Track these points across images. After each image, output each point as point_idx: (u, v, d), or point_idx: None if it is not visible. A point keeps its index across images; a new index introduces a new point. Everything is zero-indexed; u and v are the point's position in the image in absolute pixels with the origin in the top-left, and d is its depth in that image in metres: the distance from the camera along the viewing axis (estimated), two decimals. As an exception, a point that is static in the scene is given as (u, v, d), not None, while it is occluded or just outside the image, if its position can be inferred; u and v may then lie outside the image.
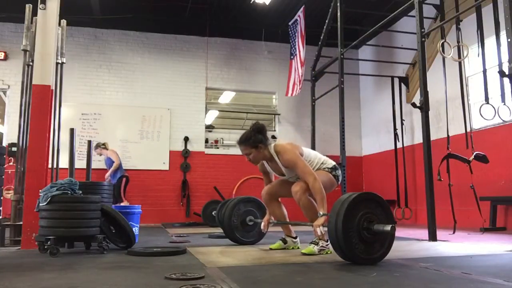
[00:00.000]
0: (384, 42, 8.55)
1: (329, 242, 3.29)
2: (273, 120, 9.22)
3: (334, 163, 3.52)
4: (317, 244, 3.20)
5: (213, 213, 6.45)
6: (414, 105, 4.62)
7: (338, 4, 6.68)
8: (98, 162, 7.71)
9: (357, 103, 9.72)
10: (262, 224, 3.64)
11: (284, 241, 3.57)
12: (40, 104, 3.97)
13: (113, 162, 7.35)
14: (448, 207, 4.99)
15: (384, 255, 2.72)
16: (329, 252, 3.23)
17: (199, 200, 8.16)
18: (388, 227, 2.60)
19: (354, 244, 2.58)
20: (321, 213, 3.06)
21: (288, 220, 3.65)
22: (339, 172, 3.49)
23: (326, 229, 2.82)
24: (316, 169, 3.39)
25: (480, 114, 5.05)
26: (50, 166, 4.27)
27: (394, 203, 7.83)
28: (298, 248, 3.56)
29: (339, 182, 3.51)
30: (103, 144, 7.52)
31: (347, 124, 6.71)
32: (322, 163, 3.46)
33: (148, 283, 2.12)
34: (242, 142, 3.45)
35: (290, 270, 2.56)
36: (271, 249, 3.52)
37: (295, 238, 3.62)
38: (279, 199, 3.65)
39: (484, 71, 5.23)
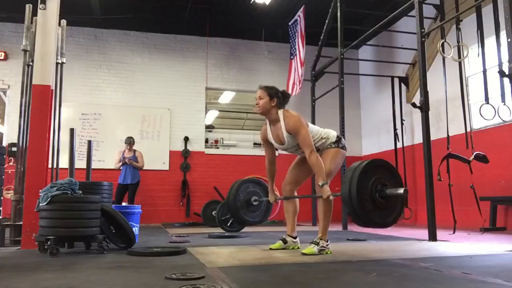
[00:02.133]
0: (384, 42, 8.55)
1: (329, 242, 3.31)
2: (273, 120, 9.22)
3: (335, 133, 3.45)
4: (317, 244, 3.21)
5: (213, 213, 6.45)
6: (414, 105, 4.62)
7: (338, 4, 6.68)
8: (98, 162, 7.72)
9: (357, 103, 9.72)
10: (272, 197, 3.69)
11: (284, 241, 3.56)
12: (40, 104, 3.97)
13: (137, 160, 7.42)
14: (448, 207, 4.99)
15: (396, 219, 2.81)
16: (329, 252, 3.23)
17: (199, 200, 8.16)
18: (401, 190, 2.66)
19: (368, 209, 2.64)
20: (321, 183, 3.12)
21: (296, 219, 3.63)
22: (343, 140, 3.46)
23: (332, 197, 3.04)
24: (323, 146, 3.37)
25: (480, 114, 5.05)
26: (50, 166, 4.27)
27: (394, 203, 7.84)
28: (298, 248, 3.56)
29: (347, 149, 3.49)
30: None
31: (347, 124, 6.70)
32: (326, 137, 3.39)
33: (148, 283, 2.12)
34: (263, 87, 3.47)
35: (290, 270, 2.56)
36: (271, 249, 3.51)
37: (295, 238, 3.61)
38: (296, 194, 3.63)
39: (484, 71, 5.23)
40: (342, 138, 3.48)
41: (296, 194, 3.62)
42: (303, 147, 3.24)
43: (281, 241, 3.55)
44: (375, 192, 2.66)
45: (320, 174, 3.15)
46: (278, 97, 3.41)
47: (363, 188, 2.63)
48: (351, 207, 2.64)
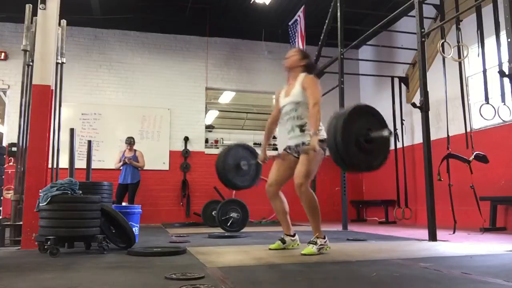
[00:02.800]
0: (384, 42, 8.55)
1: (326, 239, 3.29)
2: (273, 120, 9.22)
3: (325, 136, 3.39)
4: (315, 243, 3.19)
5: (213, 213, 6.44)
6: (414, 105, 4.62)
7: (338, 4, 6.68)
8: (98, 162, 7.71)
9: (357, 103, 9.70)
10: (261, 157, 3.71)
11: (283, 241, 3.56)
12: (40, 104, 3.97)
13: (137, 160, 7.42)
14: (448, 207, 4.99)
15: (382, 162, 2.78)
16: (328, 248, 3.23)
17: (199, 200, 8.15)
18: (385, 132, 2.66)
19: (354, 153, 2.63)
20: (312, 132, 3.16)
21: (289, 218, 3.62)
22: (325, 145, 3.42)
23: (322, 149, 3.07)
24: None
25: (480, 114, 5.06)
26: (50, 166, 4.27)
27: (394, 203, 7.84)
28: (298, 245, 3.57)
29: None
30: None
31: (347, 124, 6.70)
32: (321, 128, 3.38)
33: (148, 283, 2.12)
34: (299, 49, 3.65)
35: (290, 270, 2.56)
36: (270, 249, 3.51)
37: (294, 236, 3.61)
38: (282, 195, 3.60)
39: (484, 71, 5.24)
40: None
41: (280, 194, 3.59)
42: (310, 97, 3.28)
43: (279, 241, 3.55)
44: (360, 136, 2.65)
45: (314, 124, 3.19)
46: (308, 61, 3.54)
47: (348, 133, 2.61)
48: (336, 152, 2.61)
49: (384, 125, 2.78)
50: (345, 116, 2.63)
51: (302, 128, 3.39)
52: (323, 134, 3.33)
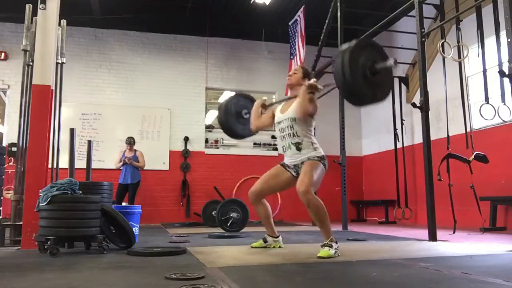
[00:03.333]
0: (384, 42, 8.51)
1: (338, 244, 3.19)
2: (273, 120, 9.22)
3: (323, 153, 3.45)
4: (331, 246, 3.09)
5: (213, 213, 6.44)
6: (414, 105, 4.62)
7: (338, 4, 6.68)
8: (98, 162, 7.71)
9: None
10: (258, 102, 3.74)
11: (265, 240, 3.67)
12: (40, 104, 3.97)
13: (138, 160, 7.42)
14: (448, 207, 4.99)
15: (387, 93, 2.89)
16: (340, 254, 3.11)
17: (199, 200, 8.16)
18: (390, 61, 2.77)
19: (360, 84, 2.70)
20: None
21: (272, 220, 3.69)
22: (326, 161, 3.43)
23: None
24: (308, 151, 3.35)
25: (480, 114, 5.05)
26: (50, 166, 4.27)
27: (394, 203, 7.85)
28: (280, 247, 3.65)
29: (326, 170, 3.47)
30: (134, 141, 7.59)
31: (347, 124, 6.70)
32: (316, 146, 3.40)
33: (148, 283, 2.12)
34: (303, 67, 3.72)
35: (290, 270, 2.57)
36: (252, 247, 3.62)
37: (277, 237, 3.69)
38: (264, 200, 3.64)
39: (484, 71, 5.23)
40: (326, 159, 3.44)
41: (263, 201, 3.61)
42: (304, 101, 3.28)
43: (261, 240, 3.67)
44: (366, 68, 2.72)
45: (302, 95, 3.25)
46: (309, 78, 3.57)
47: (355, 65, 2.68)
48: (344, 83, 2.68)
49: (385, 56, 2.86)
50: (350, 50, 2.69)
51: (298, 147, 3.38)
52: (321, 151, 3.39)
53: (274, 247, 3.65)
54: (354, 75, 2.64)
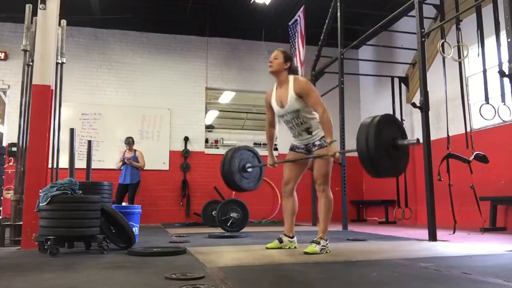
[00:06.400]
0: (384, 42, 8.54)
1: (328, 241, 3.32)
2: (273, 120, 9.22)
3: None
4: (318, 243, 3.23)
5: (213, 213, 6.44)
6: (414, 105, 4.62)
7: (338, 4, 6.68)
8: (98, 162, 7.71)
9: (357, 103, 9.72)
10: (270, 161, 3.78)
11: (280, 241, 3.59)
12: (40, 104, 3.97)
13: (137, 160, 7.41)
14: (448, 207, 4.99)
15: (405, 166, 3.07)
16: (328, 251, 3.25)
17: (199, 200, 8.15)
18: (414, 140, 2.89)
19: (383, 161, 2.83)
20: (329, 140, 3.23)
21: (294, 219, 3.65)
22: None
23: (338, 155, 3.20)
24: (320, 132, 3.39)
25: (480, 114, 5.05)
26: (50, 166, 4.27)
27: (394, 203, 7.85)
28: (295, 247, 3.59)
29: None
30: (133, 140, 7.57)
31: (347, 124, 6.70)
32: (321, 130, 3.42)
33: (148, 283, 2.12)
34: (281, 50, 3.67)
35: (290, 270, 2.56)
36: (267, 248, 3.53)
37: (292, 238, 3.63)
38: (295, 195, 3.64)
39: (484, 71, 5.24)
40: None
41: (294, 194, 3.63)
42: (316, 106, 3.33)
43: (277, 241, 3.58)
44: (388, 145, 2.86)
45: (329, 132, 3.25)
46: (291, 62, 3.59)
47: (378, 142, 2.80)
48: (369, 161, 2.81)
49: (404, 134, 3.01)
50: (374, 125, 2.82)
51: (308, 131, 3.45)
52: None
53: (289, 247, 3.57)
54: (378, 149, 2.78)
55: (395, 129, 2.98)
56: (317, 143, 3.41)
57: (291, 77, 3.49)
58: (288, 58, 3.56)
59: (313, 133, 3.43)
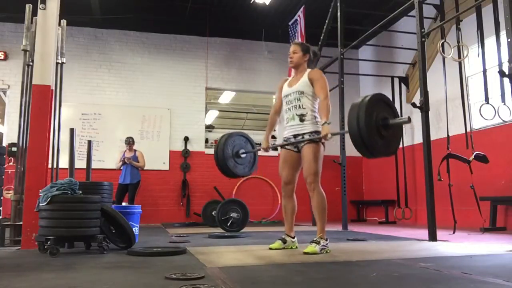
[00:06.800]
0: (384, 42, 8.55)
1: (328, 241, 3.32)
2: (273, 120, 9.22)
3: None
4: (318, 243, 3.23)
5: (213, 213, 6.45)
6: (414, 105, 4.62)
7: (338, 4, 6.68)
8: (98, 162, 7.71)
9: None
10: (264, 145, 3.80)
11: (284, 241, 3.57)
12: (40, 104, 3.97)
13: (138, 160, 7.41)
14: (448, 207, 4.99)
15: (397, 148, 3.07)
16: (328, 251, 3.25)
17: (199, 200, 8.16)
18: (405, 118, 2.87)
19: (375, 140, 2.79)
20: (324, 120, 3.27)
21: (294, 218, 3.64)
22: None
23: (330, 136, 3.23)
24: (311, 126, 3.43)
25: (480, 114, 5.05)
26: (50, 166, 4.27)
27: (394, 203, 7.85)
28: (296, 247, 3.58)
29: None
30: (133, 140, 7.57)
31: (347, 124, 6.69)
32: (317, 121, 3.46)
33: (148, 283, 2.12)
34: (299, 43, 3.70)
35: (290, 270, 2.56)
36: (270, 249, 3.51)
37: (294, 238, 3.63)
38: (295, 196, 3.65)
39: (484, 71, 5.24)
40: None
41: (294, 196, 3.64)
42: (321, 91, 3.40)
43: (280, 241, 3.56)
44: (380, 126, 2.82)
45: (325, 114, 3.30)
46: (310, 54, 3.64)
47: (369, 121, 2.77)
48: (361, 141, 2.77)
49: (396, 113, 3.00)
50: (365, 104, 2.78)
51: (302, 118, 3.47)
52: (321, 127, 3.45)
53: (291, 247, 3.58)
54: (369, 129, 2.75)
55: (386, 108, 2.96)
56: (306, 137, 3.42)
57: (308, 70, 3.60)
58: (306, 49, 3.63)
59: (304, 122, 3.45)
